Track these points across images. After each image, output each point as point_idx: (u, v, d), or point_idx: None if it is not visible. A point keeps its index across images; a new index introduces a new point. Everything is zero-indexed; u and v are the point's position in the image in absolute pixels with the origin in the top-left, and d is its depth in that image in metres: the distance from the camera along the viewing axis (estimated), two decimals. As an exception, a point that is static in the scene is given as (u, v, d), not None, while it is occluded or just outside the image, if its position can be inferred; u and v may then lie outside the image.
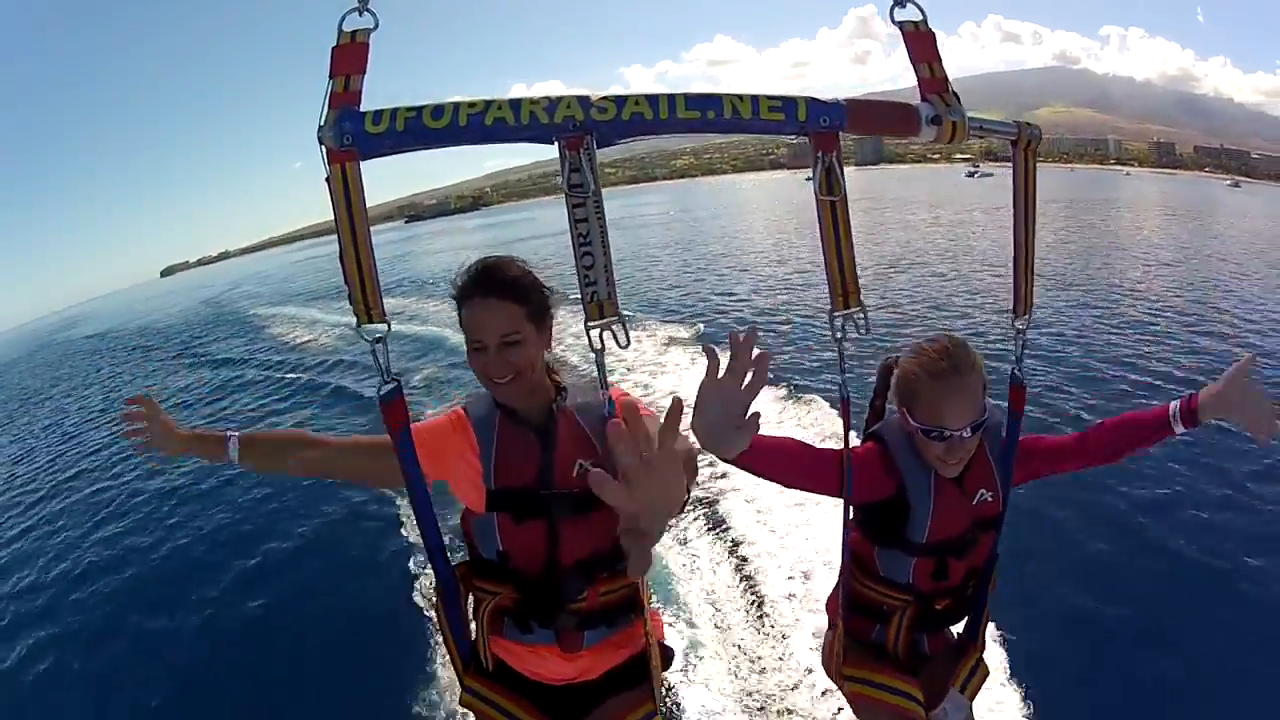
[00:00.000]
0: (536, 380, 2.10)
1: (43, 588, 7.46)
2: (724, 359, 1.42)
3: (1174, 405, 2.14)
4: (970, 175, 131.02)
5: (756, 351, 1.40)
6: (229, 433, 2.19)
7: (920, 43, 1.75)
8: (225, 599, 6.83)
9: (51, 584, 7.52)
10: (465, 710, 2.27)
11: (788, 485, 2.12)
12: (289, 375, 16.84)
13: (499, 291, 1.99)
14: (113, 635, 6.47)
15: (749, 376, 1.42)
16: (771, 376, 10.91)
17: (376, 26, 1.61)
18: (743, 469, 1.96)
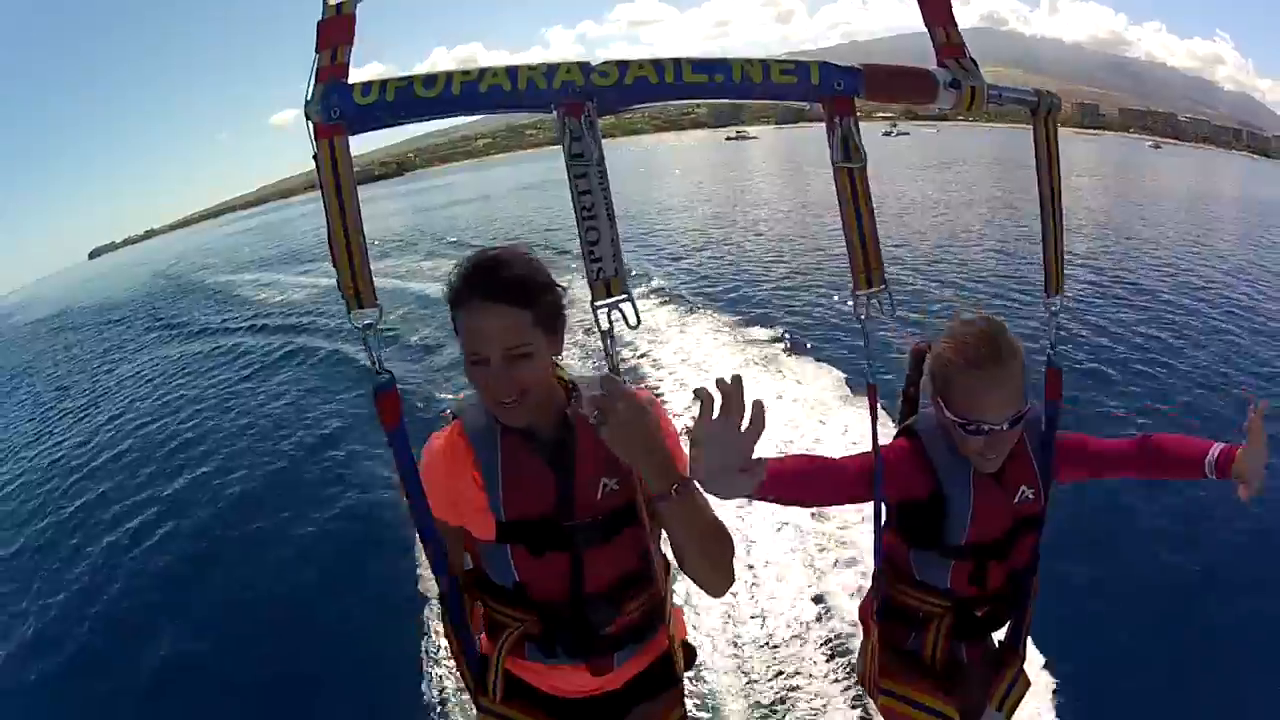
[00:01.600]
0: (546, 396, 1.81)
1: (34, 590, 7.40)
2: (718, 401, 1.38)
3: (1211, 454, 1.99)
4: (887, 135, 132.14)
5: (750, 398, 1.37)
6: None
7: (935, 6, 1.68)
8: (223, 605, 6.67)
9: (46, 584, 7.45)
10: None
11: (821, 506, 2.02)
12: (277, 338, 16.66)
13: (503, 295, 1.66)
14: (104, 643, 6.38)
15: (746, 421, 1.36)
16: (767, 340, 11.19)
17: None
18: (768, 502, 1.83)
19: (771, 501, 1.83)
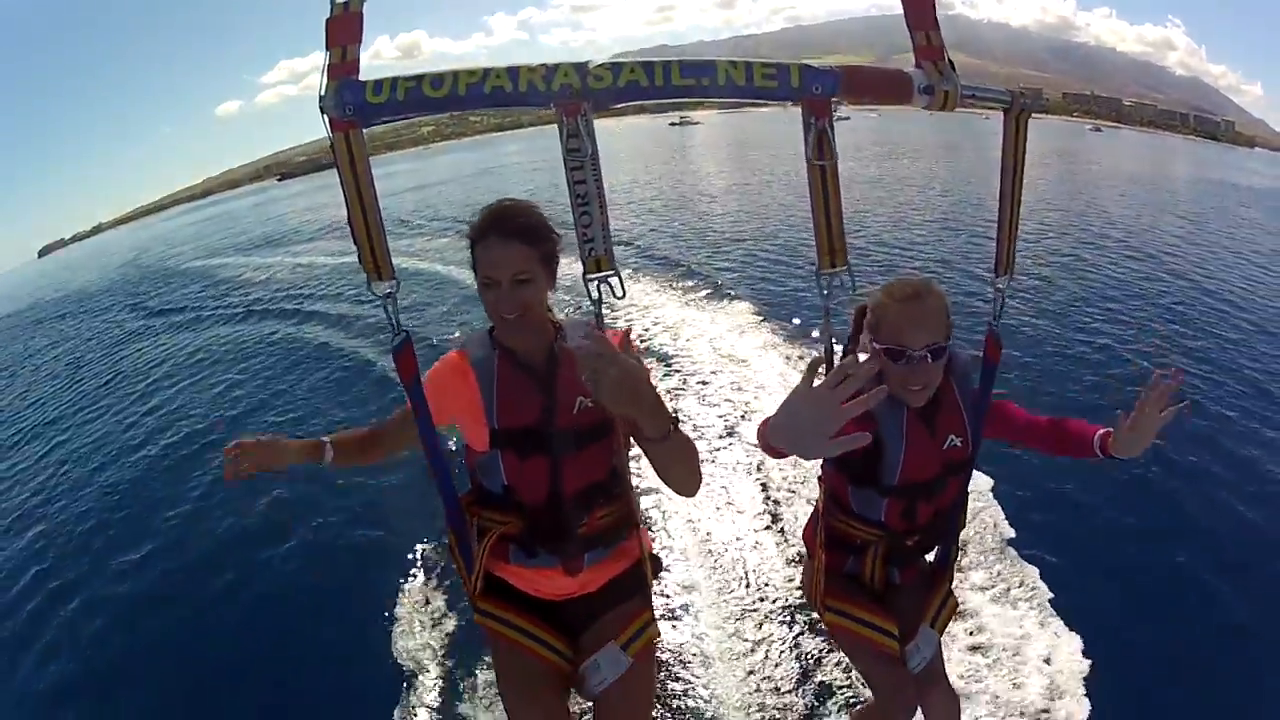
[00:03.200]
0: (540, 320, 2.18)
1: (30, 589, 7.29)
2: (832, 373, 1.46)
3: (1096, 437, 2.24)
4: None
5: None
6: (324, 439, 2.29)
7: (919, 10, 1.77)
8: (229, 542, 6.86)
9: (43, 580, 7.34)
10: (479, 627, 2.47)
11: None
12: (265, 324, 16.36)
13: (514, 233, 2.05)
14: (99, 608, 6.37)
15: (851, 394, 1.43)
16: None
17: None
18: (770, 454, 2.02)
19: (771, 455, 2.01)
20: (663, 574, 4.09)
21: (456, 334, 9.77)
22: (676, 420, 1.83)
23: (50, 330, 24.33)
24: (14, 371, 18.30)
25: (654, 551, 2.64)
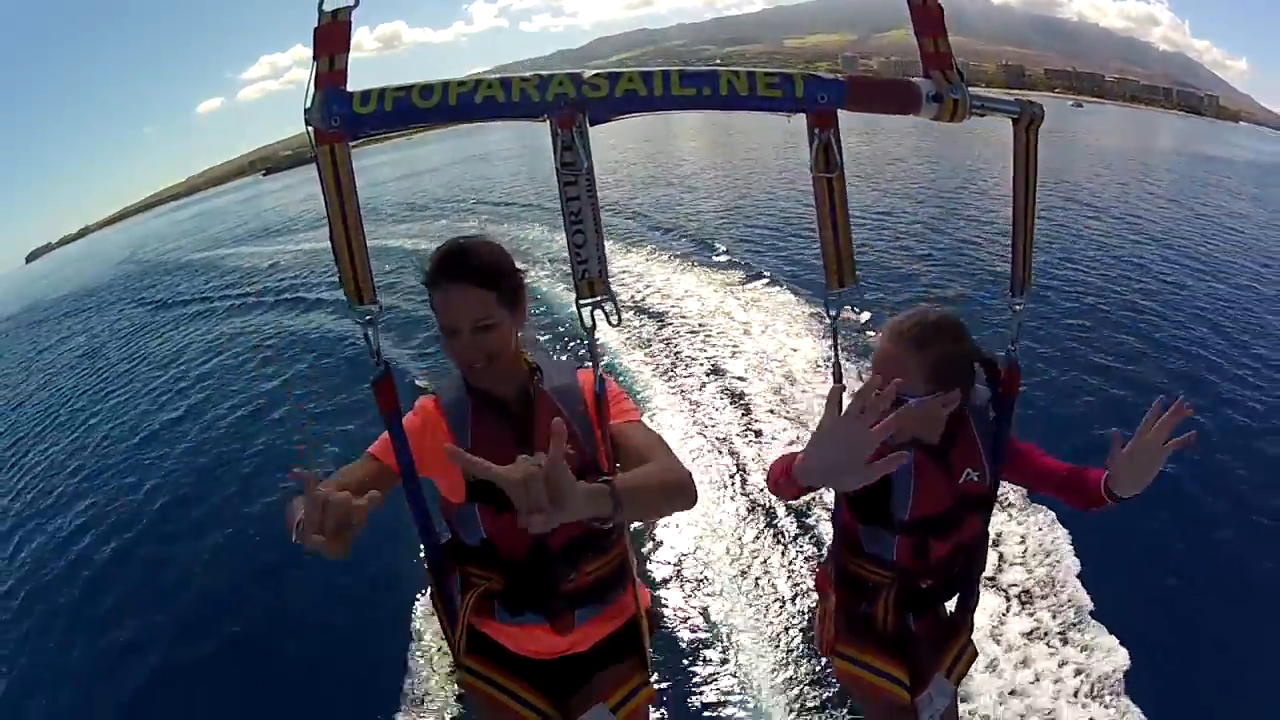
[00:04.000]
0: (510, 362, 2.04)
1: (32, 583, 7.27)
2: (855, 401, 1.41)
3: (1102, 479, 2.04)
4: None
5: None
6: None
7: (926, 17, 1.70)
8: (210, 579, 6.72)
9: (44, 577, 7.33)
10: (465, 690, 2.33)
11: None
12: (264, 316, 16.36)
13: (470, 277, 1.87)
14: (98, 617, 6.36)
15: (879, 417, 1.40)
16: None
17: (356, 4, 1.57)
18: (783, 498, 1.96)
19: (792, 498, 1.92)
20: (661, 629, 3.96)
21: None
22: (614, 490, 1.50)
23: (54, 329, 24.17)
24: (28, 369, 18.06)
25: (650, 607, 2.48)
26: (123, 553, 7.31)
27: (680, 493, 1.77)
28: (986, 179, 23.03)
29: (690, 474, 1.81)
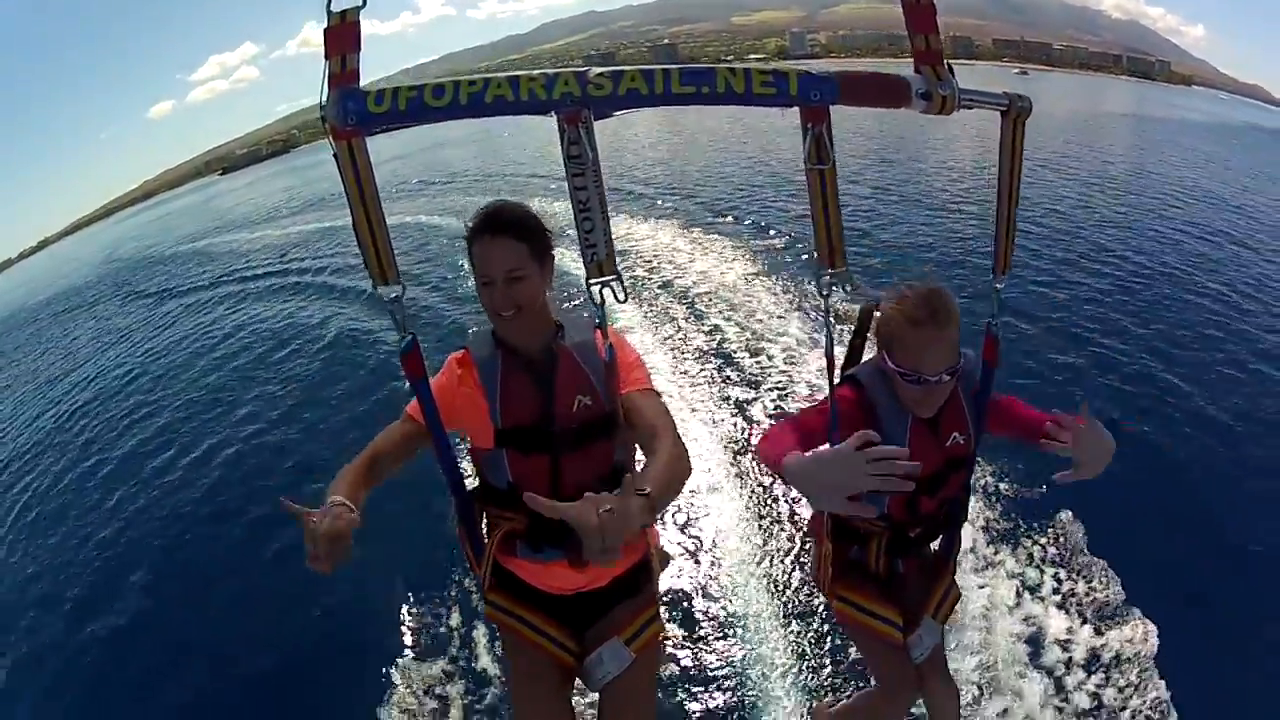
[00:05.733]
0: (538, 317, 2.25)
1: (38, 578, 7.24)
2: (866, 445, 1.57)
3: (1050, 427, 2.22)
4: None
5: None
6: (337, 500, 1.88)
7: (919, 15, 1.78)
8: (240, 530, 7.07)
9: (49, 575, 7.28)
10: (489, 622, 2.71)
11: None
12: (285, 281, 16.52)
13: (506, 230, 2.13)
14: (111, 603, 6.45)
15: (882, 470, 1.55)
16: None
17: (364, 4, 1.62)
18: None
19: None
20: (670, 567, 4.13)
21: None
22: (653, 501, 1.71)
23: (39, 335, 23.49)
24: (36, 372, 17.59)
25: (661, 546, 2.70)
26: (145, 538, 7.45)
27: (686, 473, 1.99)
28: (965, 165, 23.11)
29: (687, 449, 2.02)
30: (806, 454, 1.72)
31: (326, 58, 1.65)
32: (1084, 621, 4.53)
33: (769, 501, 5.91)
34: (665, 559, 2.74)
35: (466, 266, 2.25)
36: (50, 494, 9.19)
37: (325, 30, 1.64)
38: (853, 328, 2.67)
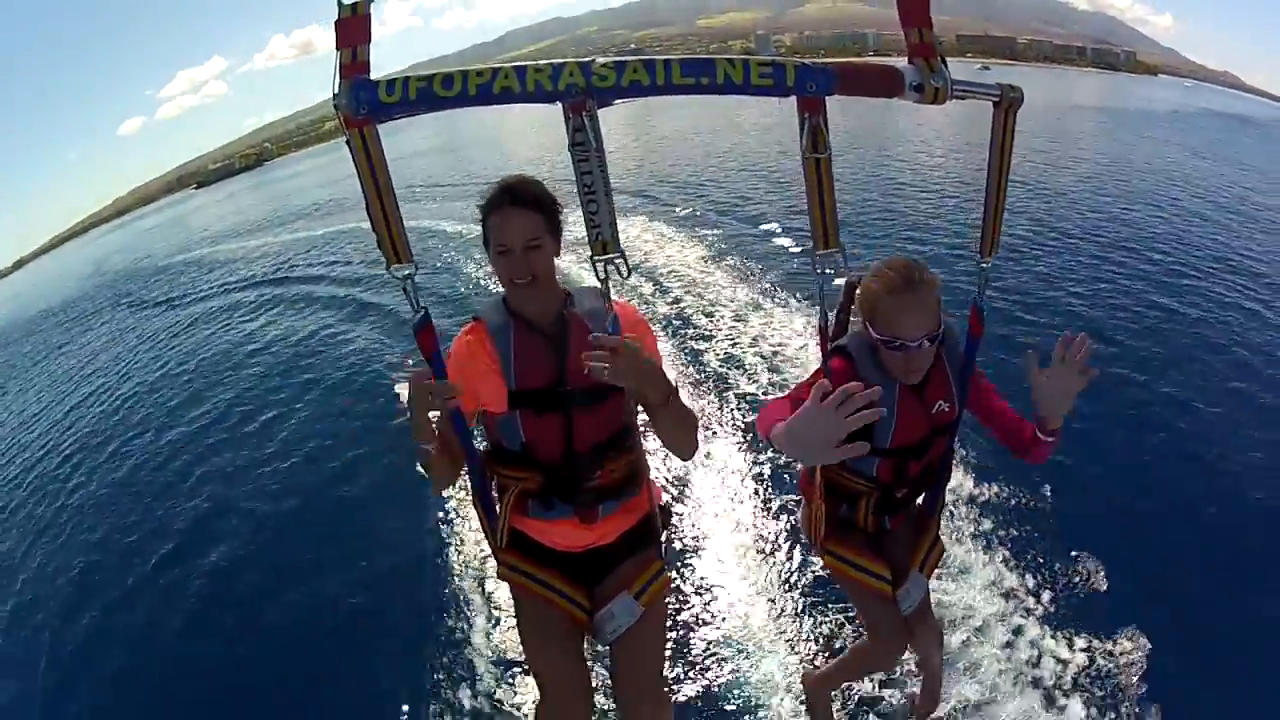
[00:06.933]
0: (549, 286, 2.35)
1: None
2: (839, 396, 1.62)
3: (1033, 428, 2.43)
4: None
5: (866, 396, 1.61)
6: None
7: (912, 9, 1.83)
8: (251, 512, 7.02)
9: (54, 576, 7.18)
10: (501, 581, 2.70)
11: None
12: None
13: (524, 202, 2.23)
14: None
15: (856, 413, 1.61)
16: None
17: None
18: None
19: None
20: (673, 524, 4.35)
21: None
22: (676, 390, 2.13)
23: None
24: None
25: (663, 503, 2.84)
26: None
27: (695, 435, 2.23)
28: (951, 152, 23.11)
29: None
30: (785, 421, 1.80)
31: (338, 49, 1.70)
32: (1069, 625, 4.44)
33: (761, 465, 6.08)
34: (668, 515, 2.89)
35: (479, 238, 2.35)
36: (95, 488, 9.06)
37: (336, 22, 1.69)
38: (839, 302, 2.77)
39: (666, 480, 5.95)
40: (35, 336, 24.57)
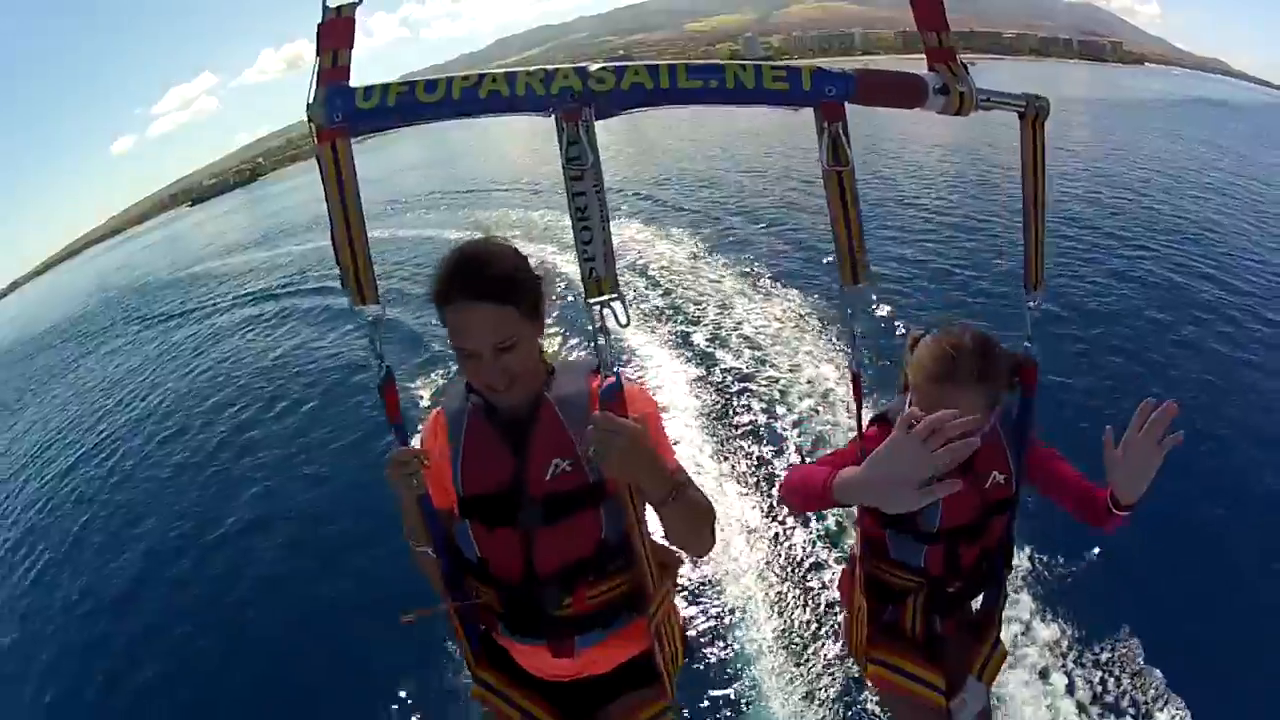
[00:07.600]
0: (534, 378, 1.90)
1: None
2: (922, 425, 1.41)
3: (1107, 495, 2.01)
4: None
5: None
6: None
7: (929, 12, 1.71)
8: (217, 580, 6.69)
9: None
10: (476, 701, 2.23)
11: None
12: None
13: (488, 293, 1.70)
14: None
15: (948, 445, 1.40)
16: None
17: (361, 1, 1.56)
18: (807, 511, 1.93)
19: (809, 512, 1.91)
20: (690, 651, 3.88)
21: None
22: (682, 486, 1.73)
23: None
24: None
25: (683, 631, 2.33)
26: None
27: (707, 531, 1.83)
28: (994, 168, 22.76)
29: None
30: (855, 467, 1.56)
31: (318, 53, 1.57)
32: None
33: (792, 562, 5.34)
34: (686, 646, 2.36)
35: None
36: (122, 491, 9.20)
37: (319, 25, 1.57)
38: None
39: (681, 596, 4.99)
40: (45, 353, 24.62)
